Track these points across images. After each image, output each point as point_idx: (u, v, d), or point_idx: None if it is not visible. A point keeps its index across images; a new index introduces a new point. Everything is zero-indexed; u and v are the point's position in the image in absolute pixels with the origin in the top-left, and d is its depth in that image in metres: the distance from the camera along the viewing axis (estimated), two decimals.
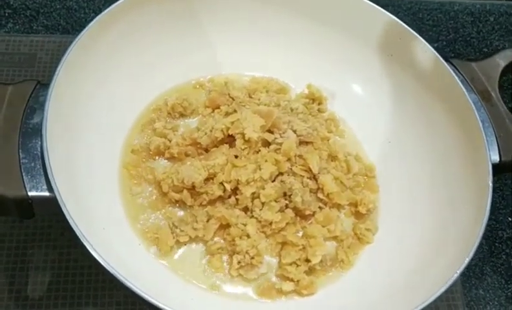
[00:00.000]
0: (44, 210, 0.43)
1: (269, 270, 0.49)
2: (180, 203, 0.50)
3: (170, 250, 0.48)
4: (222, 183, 0.49)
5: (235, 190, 0.50)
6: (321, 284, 0.48)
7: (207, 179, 0.49)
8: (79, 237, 0.39)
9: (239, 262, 0.47)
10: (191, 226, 0.48)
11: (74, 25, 0.70)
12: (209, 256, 0.48)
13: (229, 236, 0.49)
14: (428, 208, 0.51)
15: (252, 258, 0.47)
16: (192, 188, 0.49)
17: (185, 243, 0.48)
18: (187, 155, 0.52)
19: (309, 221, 0.51)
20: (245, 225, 0.48)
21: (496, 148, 0.51)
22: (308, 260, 0.48)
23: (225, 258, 0.48)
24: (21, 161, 0.43)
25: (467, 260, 0.42)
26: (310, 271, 0.49)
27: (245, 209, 0.50)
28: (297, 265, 0.48)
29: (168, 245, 0.47)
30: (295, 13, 0.59)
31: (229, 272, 0.48)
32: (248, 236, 0.48)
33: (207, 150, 0.52)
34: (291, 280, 0.48)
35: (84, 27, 0.49)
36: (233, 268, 0.47)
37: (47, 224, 0.54)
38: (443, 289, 0.40)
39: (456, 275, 0.41)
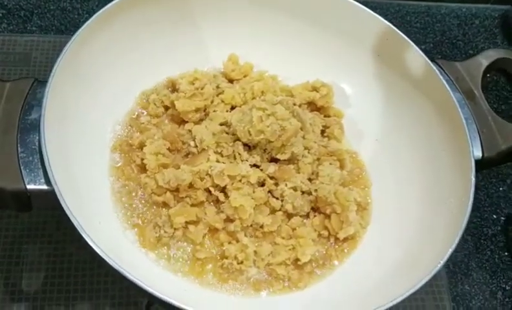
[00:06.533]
0: (41, 203, 0.44)
1: (259, 268, 0.49)
2: (164, 205, 0.50)
3: (155, 247, 0.48)
4: (207, 189, 0.50)
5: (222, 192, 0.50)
6: (313, 279, 0.49)
7: (190, 184, 0.49)
8: (77, 228, 0.39)
9: (226, 267, 0.48)
10: (173, 229, 0.49)
11: (67, 26, 0.71)
12: (193, 261, 0.49)
13: (217, 241, 0.49)
14: (415, 202, 0.52)
15: (241, 262, 0.48)
16: (175, 191, 0.50)
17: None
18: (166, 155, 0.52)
19: (302, 221, 0.52)
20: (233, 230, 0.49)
21: (479, 144, 0.52)
22: (297, 259, 0.49)
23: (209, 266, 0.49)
24: (20, 156, 0.44)
25: (450, 250, 0.43)
26: (301, 269, 0.49)
27: None
28: (287, 265, 0.49)
29: (151, 242, 0.48)
30: (287, 14, 0.60)
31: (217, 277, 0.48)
32: (237, 241, 0.49)
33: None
34: (281, 279, 0.49)
35: (78, 27, 0.50)
36: (218, 274, 0.48)
37: (42, 219, 0.54)
38: (427, 278, 0.42)
39: (440, 265, 0.42)
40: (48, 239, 0.54)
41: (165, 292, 0.39)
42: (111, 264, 0.39)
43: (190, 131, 0.53)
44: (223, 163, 0.51)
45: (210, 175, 0.50)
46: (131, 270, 0.39)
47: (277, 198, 0.51)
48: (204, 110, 0.55)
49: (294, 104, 0.54)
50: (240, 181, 0.50)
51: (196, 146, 0.52)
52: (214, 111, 0.55)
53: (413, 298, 0.55)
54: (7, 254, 0.52)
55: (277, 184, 0.51)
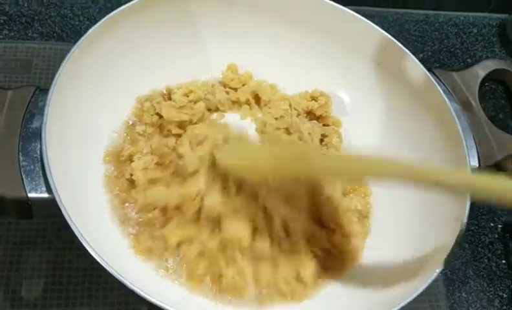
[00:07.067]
0: (42, 211, 0.44)
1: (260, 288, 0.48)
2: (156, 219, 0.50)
3: (151, 256, 0.48)
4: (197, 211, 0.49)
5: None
6: (314, 291, 0.49)
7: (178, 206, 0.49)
8: (78, 237, 0.39)
9: (225, 285, 0.47)
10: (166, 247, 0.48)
11: (68, 32, 0.71)
12: (187, 278, 0.48)
13: (213, 261, 0.48)
14: (412, 210, 0.52)
15: (240, 284, 0.47)
16: (164, 208, 0.49)
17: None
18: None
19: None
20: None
21: (476, 154, 0.52)
22: (299, 274, 0.49)
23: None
24: (21, 164, 0.44)
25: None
26: (302, 283, 0.49)
27: None
28: (288, 280, 0.49)
29: (146, 251, 0.48)
30: (286, 24, 0.60)
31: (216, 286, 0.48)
32: (234, 262, 0.48)
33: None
34: (282, 294, 0.48)
35: (79, 34, 0.50)
36: (216, 285, 0.47)
37: (42, 226, 0.55)
38: (424, 286, 0.42)
39: (436, 273, 0.43)
40: (48, 246, 0.54)
41: (164, 300, 0.39)
42: (110, 272, 0.39)
43: (176, 149, 0.52)
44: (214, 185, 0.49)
45: (200, 197, 0.48)
46: (130, 278, 0.39)
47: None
48: (191, 122, 0.55)
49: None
50: None
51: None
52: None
53: (411, 307, 0.56)
54: (7, 260, 0.52)
55: None
